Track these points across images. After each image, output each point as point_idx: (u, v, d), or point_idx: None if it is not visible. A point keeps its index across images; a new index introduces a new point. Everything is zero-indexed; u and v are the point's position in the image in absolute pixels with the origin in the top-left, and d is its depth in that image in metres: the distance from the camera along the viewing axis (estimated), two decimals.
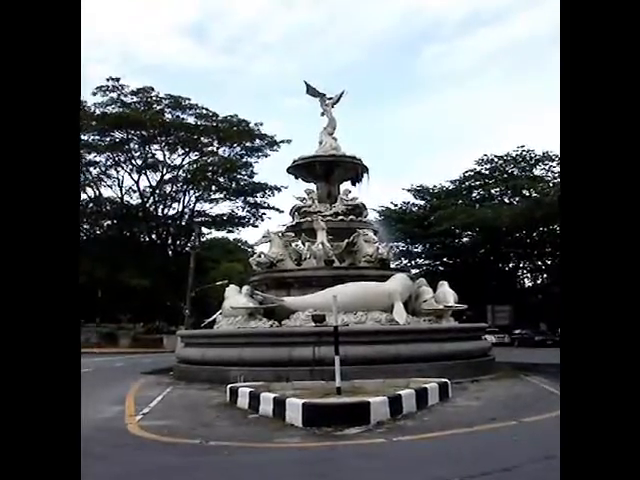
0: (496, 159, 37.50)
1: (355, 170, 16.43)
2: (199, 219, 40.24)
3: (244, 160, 39.59)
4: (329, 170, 16.16)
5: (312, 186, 16.60)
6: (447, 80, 74.87)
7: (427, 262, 41.66)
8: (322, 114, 16.92)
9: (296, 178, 16.83)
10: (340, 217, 15.23)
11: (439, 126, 76.08)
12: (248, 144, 38.75)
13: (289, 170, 16.57)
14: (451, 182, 40.01)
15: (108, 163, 37.34)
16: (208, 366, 11.61)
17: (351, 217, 15.32)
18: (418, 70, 76.26)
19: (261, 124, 38.00)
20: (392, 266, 15.11)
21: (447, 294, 13.50)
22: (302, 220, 15.30)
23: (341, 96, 16.86)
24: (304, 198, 16.01)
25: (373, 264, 13.90)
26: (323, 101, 16.73)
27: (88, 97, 35.11)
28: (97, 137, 35.86)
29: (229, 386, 8.67)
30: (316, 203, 15.65)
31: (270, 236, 14.64)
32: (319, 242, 13.75)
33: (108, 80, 35.60)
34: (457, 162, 74.26)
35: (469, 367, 11.18)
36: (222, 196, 40.54)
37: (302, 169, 16.42)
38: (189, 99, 37.10)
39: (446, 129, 75.74)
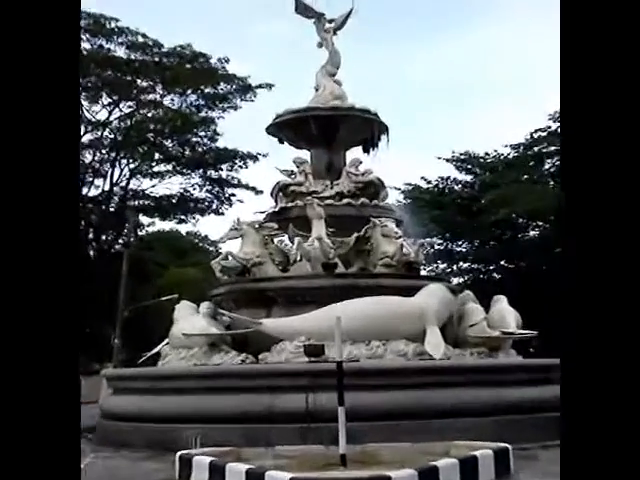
0: None
1: (369, 130, 16.51)
2: (135, 202, 40.22)
3: (202, 114, 39.57)
4: (330, 130, 16.20)
5: (305, 154, 16.65)
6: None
7: (476, 267, 41.75)
8: (319, 45, 16.95)
9: (281, 142, 16.87)
10: (346, 200, 15.28)
11: (491, 66, 76.23)
12: (208, 90, 38.70)
13: (270, 130, 16.56)
14: (512, 147, 40.03)
15: None
16: (148, 423, 11.62)
17: (363, 200, 15.37)
18: None
19: (227, 60, 37.99)
20: (424, 273, 15.00)
21: (506, 315, 13.53)
22: (290, 205, 15.34)
23: (348, 17, 16.85)
24: (292, 172, 16.03)
25: (395, 269, 13.96)
26: (321, 24, 16.71)
27: None
28: None
29: (179, 454, 8.64)
30: (310, 179, 15.66)
31: (242, 228, 14.65)
32: (315, 237, 13.76)
33: None
34: (520, 117, 74.33)
35: (539, 425, 11.11)
36: (170, 168, 40.56)
37: (289, 128, 16.47)
38: (117, 20, 36.86)
39: (502, 70, 75.89)
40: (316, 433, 9.47)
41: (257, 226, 14.85)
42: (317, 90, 16.54)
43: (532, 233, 40.11)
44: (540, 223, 39.03)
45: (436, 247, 37.37)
